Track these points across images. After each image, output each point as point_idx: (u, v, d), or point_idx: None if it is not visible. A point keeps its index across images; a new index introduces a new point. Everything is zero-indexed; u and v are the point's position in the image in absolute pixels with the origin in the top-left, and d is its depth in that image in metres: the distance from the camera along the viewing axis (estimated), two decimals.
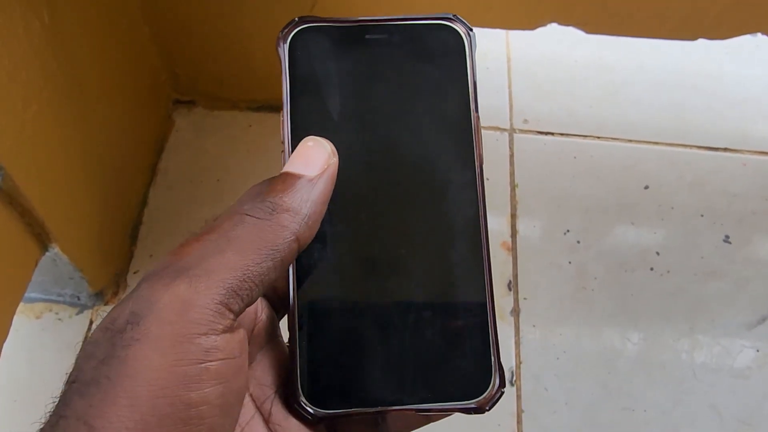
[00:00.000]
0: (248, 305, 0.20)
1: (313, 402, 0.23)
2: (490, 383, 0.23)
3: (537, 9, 0.59)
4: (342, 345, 0.23)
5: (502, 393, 0.23)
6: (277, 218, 0.21)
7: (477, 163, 0.24)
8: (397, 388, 0.23)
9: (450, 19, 0.25)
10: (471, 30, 0.25)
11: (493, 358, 0.23)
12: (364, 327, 0.23)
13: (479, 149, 0.25)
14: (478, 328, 0.24)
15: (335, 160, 0.23)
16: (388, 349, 0.23)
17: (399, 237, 0.24)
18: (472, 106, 0.25)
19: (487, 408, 0.23)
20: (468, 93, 0.25)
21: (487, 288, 0.24)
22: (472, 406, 0.23)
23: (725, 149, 0.74)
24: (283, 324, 0.25)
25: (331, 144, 0.23)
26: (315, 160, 0.22)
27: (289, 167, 0.22)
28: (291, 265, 0.23)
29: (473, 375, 0.23)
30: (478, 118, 0.25)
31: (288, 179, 0.22)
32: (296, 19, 0.25)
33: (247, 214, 0.21)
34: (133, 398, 0.17)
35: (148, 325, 0.18)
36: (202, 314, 0.19)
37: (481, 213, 0.24)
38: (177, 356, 0.18)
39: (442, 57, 0.25)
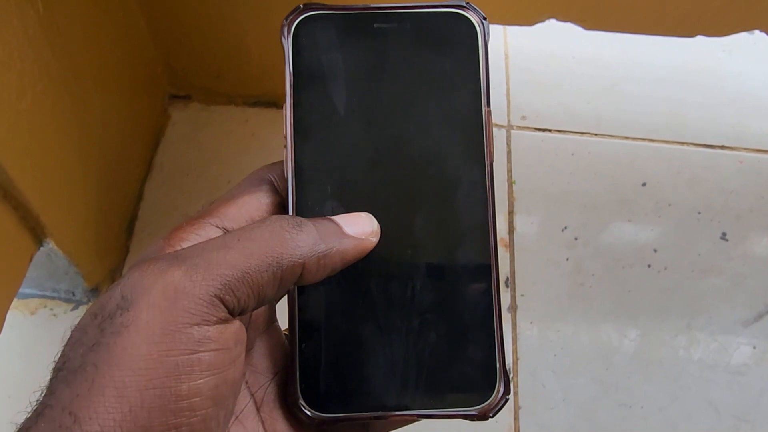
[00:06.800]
0: (243, 311, 0.20)
1: (311, 405, 0.22)
2: (494, 390, 0.23)
3: (535, 5, 0.59)
4: (343, 347, 0.23)
5: (507, 400, 0.23)
6: (296, 235, 0.20)
7: (487, 161, 0.24)
8: (399, 393, 0.23)
9: (463, 6, 0.24)
10: (485, 19, 0.24)
11: (498, 364, 0.23)
12: (366, 329, 0.23)
13: (490, 146, 0.24)
14: (483, 333, 0.23)
15: (374, 240, 0.23)
16: (390, 352, 0.23)
17: (404, 236, 0.23)
18: (484, 101, 0.24)
19: (491, 415, 0.23)
20: (480, 86, 0.24)
21: (494, 293, 0.23)
22: (475, 413, 0.22)
23: (722, 147, 0.74)
24: (281, 309, 0.24)
25: (379, 227, 0.23)
26: (358, 224, 0.22)
27: (333, 218, 0.22)
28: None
29: (477, 381, 0.23)
30: (489, 113, 0.24)
31: (326, 220, 0.22)
32: (301, 6, 0.24)
33: (271, 217, 0.21)
34: (121, 388, 0.17)
35: (138, 311, 0.18)
36: (195, 304, 0.18)
37: (490, 214, 0.23)
38: (167, 345, 0.18)
39: (453, 47, 0.24)
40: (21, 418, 0.18)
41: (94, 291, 0.61)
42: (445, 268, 0.23)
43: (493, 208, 0.24)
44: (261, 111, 0.74)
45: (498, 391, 0.23)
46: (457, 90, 0.24)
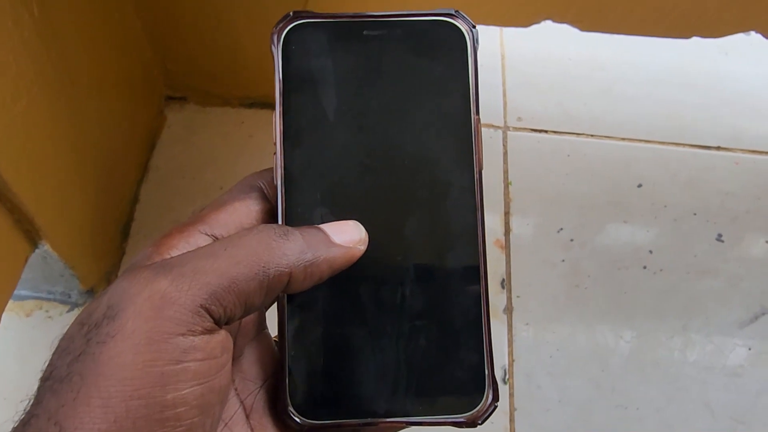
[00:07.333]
0: (229, 320, 0.20)
1: (301, 412, 0.22)
2: (483, 397, 0.23)
3: (532, 6, 0.59)
4: (332, 354, 0.23)
5: (495, 407, 0.23)
6: (282, 244, 0.20)
7: (476, 169, 0.24)
8: (388, 400, 0.23)
9: (452, 15, 0.24)
10: (474, 27, 0.24)
11: (487, 371, 0.23)
12: (356, 336, 0.23)
13: (479, 154, 0.24)
14: (472, 340, 0.23)
15: (362, 248, 0.23)
16: (379, 359, 0.23)
17: (393, 243, 0.23)
18: (473, 108, 0.24)
19: (480, 422, 0.23)
20: (469, 94, 0.24)
21: (483, 300, 0.23)
22: (463, 419, 0.23)
23: (718, 148, 0.74)
24: (271, 316, 0.24)
25: (367, 235, 0.23)
26: (345, 233, 0.22)
27: (321, 226, 0.22)
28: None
29: (466, 388, 0.23)
30: (478, 120, 0.24)
31: (313, 229, 0.22)
32: (290, 13, 0.24)
33: (259, 227, 0.21)
34: (107, 398, 0.17)
35: (125, 320, 0.18)
36: (181, 313, 0.18)
37: (479, 221, 0.23)
38: (153, 355, 0.18)
39: (442, 55, 0.24)
40: (8, 427, 0.18)
41: (90, 293, 0.61)
42: (433, 275, 0.23)
43: (482, 215, 0.24)
44: (257, 112, 0.74)
45: (487, 398, 0.23)
46: (446, 97, 0.24)
